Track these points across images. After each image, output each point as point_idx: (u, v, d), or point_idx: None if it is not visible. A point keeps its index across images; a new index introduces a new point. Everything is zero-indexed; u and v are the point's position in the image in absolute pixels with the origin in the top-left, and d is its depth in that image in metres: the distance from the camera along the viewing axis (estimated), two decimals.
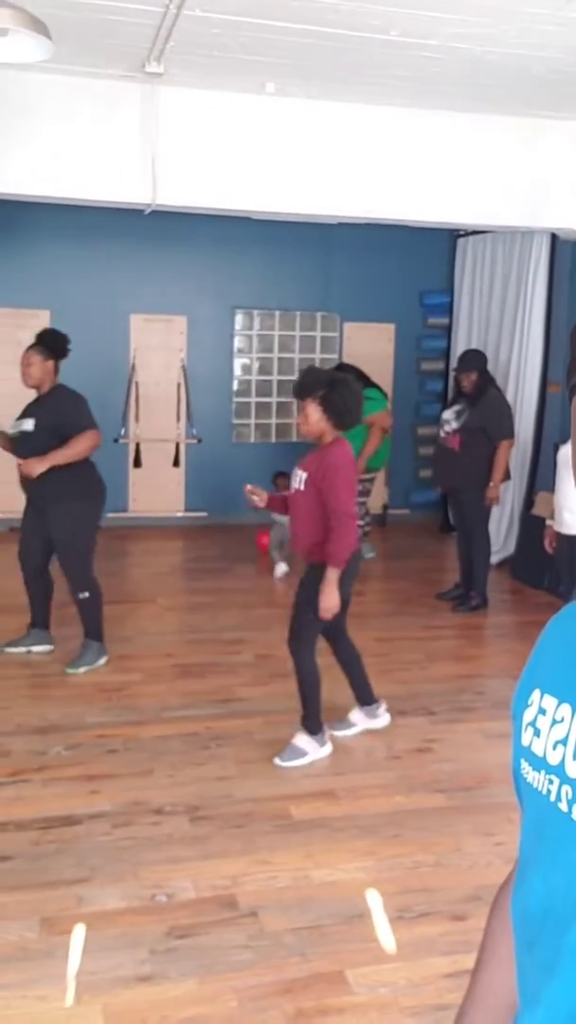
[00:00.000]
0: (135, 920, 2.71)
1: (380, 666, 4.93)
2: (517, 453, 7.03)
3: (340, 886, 2.93)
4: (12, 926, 2.66)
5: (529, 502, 6.92)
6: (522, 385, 6.97)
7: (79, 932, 2.65)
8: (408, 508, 8.51)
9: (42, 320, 7.70)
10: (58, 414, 4.58)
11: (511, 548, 7.10)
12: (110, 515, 7.78)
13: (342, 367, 7.02)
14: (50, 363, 4.67)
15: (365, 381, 6.95)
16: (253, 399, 8.36)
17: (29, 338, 7.63)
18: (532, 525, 6.53)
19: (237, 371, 8.31)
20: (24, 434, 4.61)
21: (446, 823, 3.34)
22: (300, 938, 2.65)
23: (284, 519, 6.94)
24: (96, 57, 4.83)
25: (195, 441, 8.10)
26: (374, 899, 2.87)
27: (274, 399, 8.40)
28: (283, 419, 8.44)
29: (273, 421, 8.43)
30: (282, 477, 7.28)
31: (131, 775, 3.62)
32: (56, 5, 3.91)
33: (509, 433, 5.89)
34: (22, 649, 4.90)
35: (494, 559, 7.14)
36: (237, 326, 8.21)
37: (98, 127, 5.29)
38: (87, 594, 4.72)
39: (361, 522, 7.07)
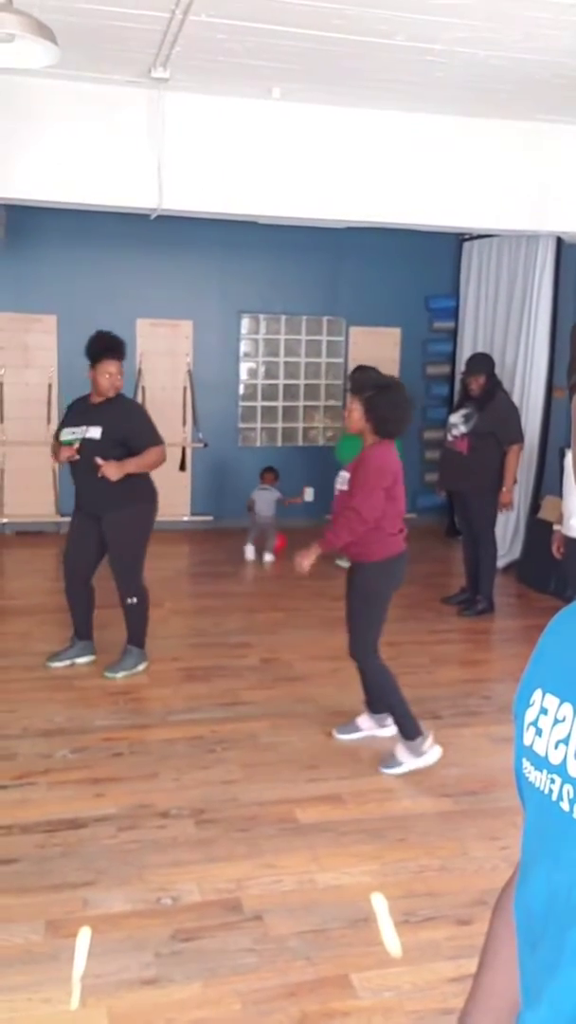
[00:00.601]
0: (140, 923, 2.71)
1: None
2: (523, 457, 7.03)
3: (345, 890, 2.93)
4: (18, 929, 2.66)
5: (535, 506, 6.91)
6: (527, 389, 6.97)
7: (84, 935, 2.65)
8: (414, 512, 8.49)
9: (48, 324, 7.74)
10: (127, 426, 4.57)
11: (517, 552, 7.09)
12: None
13: (361, 368, 7.01)
14: (121, 371, 4.67)
15: None
16: (259, 403, 8.37)
17: (36, 342, 7.78)
18: (538, 529, 6.53)
19: (243, 375, 8.32)
20: (88, 441, 4.56)
21: (452, 827, 3.33)
22: (305, 942, 2.64)
23: (265, 518, 7.23)
24: (102, 63, 4.85)
25: (201, 445, 8.11)
26: (379, 903, 2.87)
27: (280, 403, 8.41)
28: (289, 423, 8.45)
29: (279, 425, 8.44)
30: (269, 472, 7.41)
31: (137, 778, 3.62)
32: (62, 11, 3.93)
33: (519, 437, 5.88)
34: (66, 662, 4.82)
35: (500, 563, 7.12)
36: (243, 330, 8.23)
37: (104, 132, 5.31)
38: (135, 599, 4.71)
39: None
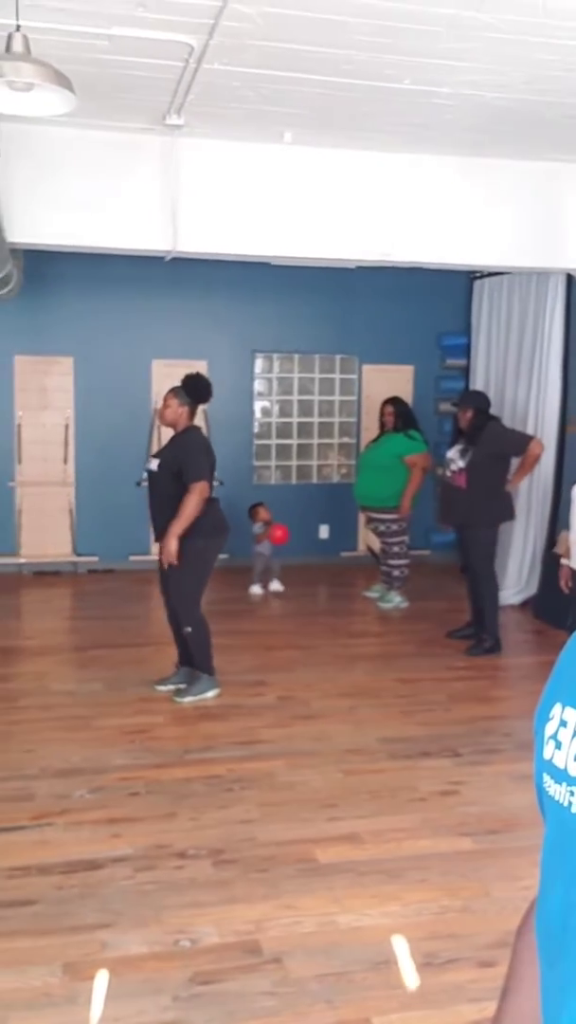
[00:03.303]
0: (158, 966, 2.68)
1: (403, 707, 4.91)
2: (537, 492, 7.02)
3: (366, 931, 2.88)
4: (36, 971, 2.63)
5: (551, 541, 6.89)
6: (540, 425, 6.98)
7: (102, 978, 2.62)
8: (428, 549, 8.49)
9: (65, 366, 7.83)
10: (179, 460, 4.75)
11: (534, 588, 7.06)
12: (132, 557, 7.86)
13: (395, 400, 7.04)
14: (184, 408, 4.85)
15: (411, 421, 6.94)
16: (273, 441, 8.42)
17: (53, 384, 7.88)
18: (554, 565, 6.49)
19: (257, 414, 8.38)
20: (151, 473, 4.86)
21: (473, 867, 3.28)
22: (325, 985, 2.60)
23: (265, 549, 7.28)
24: (118, 111, 4.96)
25: (216, 483, 8.14)
26: (400, 945, 2.82)
27: (294, 441, 8.45)
28: (303, 461, 8.49)
29: (294, 463, 8.47)
30: (260, 507, 7.43)
31: (154, 818, 3.60)
32: (80, 61, 4.03)
33: (528, 438, 5.90)
34: (170, 687, 4.98)
35: (516, 599, 7.10)
36: (257, 369, 8.30)
37: (120, 178, 5.42)
38: (190, 629, 4.85)
39: (404, 561, 7.07)
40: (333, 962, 2.71)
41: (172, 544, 4.63)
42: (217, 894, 3.06)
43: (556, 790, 0.85)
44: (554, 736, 0.87)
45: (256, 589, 7.38)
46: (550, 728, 0.88)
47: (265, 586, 7.40)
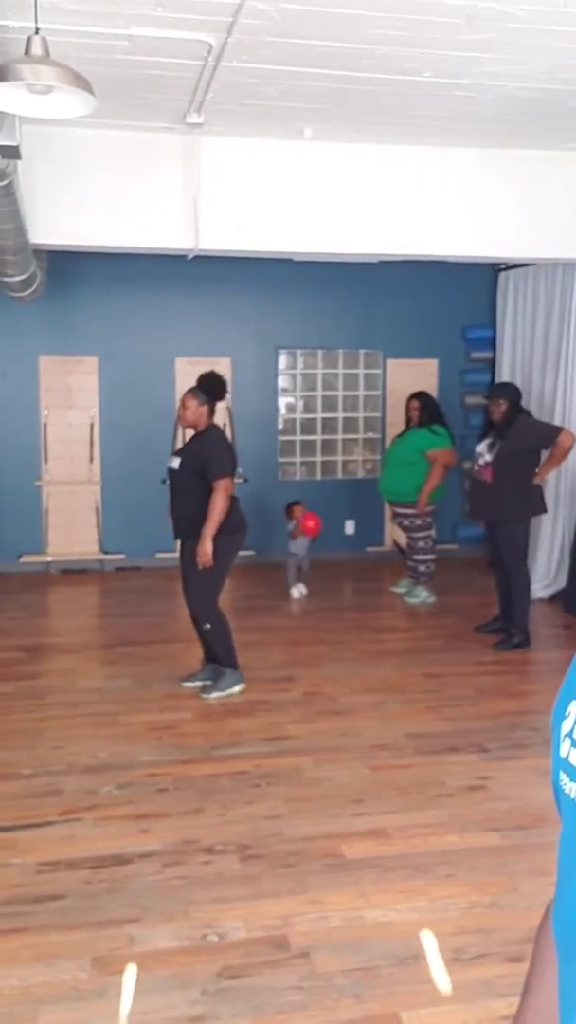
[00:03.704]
0: (187, 960, 2.70)
1: (430, 702, 4.90)
2: (566, 485, 6.97)
3: (393, 927, 2.89)
4: (65, 965, 2.66)
5: None
6: (568, 417, 6.92)
7: (131, 972, 2.64)
8: (456, 543, 8.46)
9: (89, 366, 7.88)
10: (201, 458, 4.77)
11: (563, 581, 7.00)
12: (158, 555, 7.89)
13: (421, 395, 7.01)
14: (204, 407, 4.88)
15: (436, 416, 6.90)
16: (298, 437, 8.42)
17: (78, 383, 7.94)
18: None
19: (282, 410, 8.38)
20: (171, 471, 4.89)
21: (501, 863, 3.27)
22: (353, 979, 2.61)
23: (300, 549, 7.11)
24: (138, 110, 4.98)
25: (241, 480, 8.16)
26: (428, 940, 2.82)
27: (319, 437, 8.44)
28: (328, 456, 8.48)
29: (318, 459, 8.47)
30: (297, 505, 7.38)
31: (181, 814, 3.62)
32: (99, 62, 4.05)
33: (557, 430, 5.76)
34: (197, 683, 5.01)
35: (545, 592, 7.05)
36: (281, 365, 8.30)
37: (142, 178, 5.45)
38: (209, 625, 4.89)
39: (430, 556, 7.05)
40: (360, 957, 2.71)
41: (207, 546, 4.66)
42: (244, 889, 3.08)
43: (572, 788, 0.85)
44: (570, 734, 0.87)
45: (295, 592, 7.19)
46: (566, 726, 0.88)
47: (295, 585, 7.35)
